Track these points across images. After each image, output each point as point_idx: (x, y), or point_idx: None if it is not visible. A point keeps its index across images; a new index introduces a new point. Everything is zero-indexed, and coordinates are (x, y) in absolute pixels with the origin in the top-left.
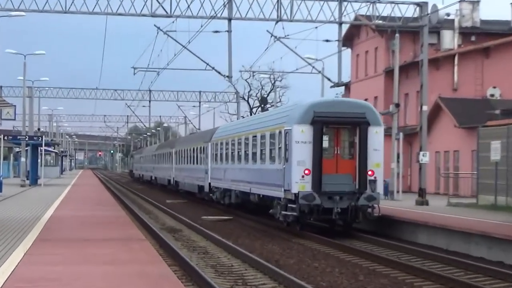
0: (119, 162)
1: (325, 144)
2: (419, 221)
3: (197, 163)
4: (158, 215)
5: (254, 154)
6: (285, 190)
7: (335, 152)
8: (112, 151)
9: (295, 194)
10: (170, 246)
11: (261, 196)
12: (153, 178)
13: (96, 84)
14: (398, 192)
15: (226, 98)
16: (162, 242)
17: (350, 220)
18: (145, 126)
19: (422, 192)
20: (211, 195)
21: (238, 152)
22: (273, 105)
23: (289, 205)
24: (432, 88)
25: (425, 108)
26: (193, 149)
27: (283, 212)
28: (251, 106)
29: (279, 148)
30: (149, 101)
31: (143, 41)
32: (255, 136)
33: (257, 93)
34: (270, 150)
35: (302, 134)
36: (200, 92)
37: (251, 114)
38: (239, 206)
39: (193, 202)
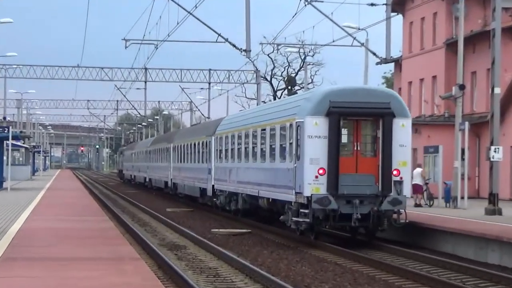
0: (106, 160)
1: (343, 139)
2: (488, 235)
3: (198, 161)
4: (157, 228)
5: (263, 150)
6: (296, 193)
7: (355, 148)
8: (97, 146)
9: (307, 197)
10: (171, 267)
11: (270, 200)
12: (147, 179)
13: (78, 61)
14: (462, 198)
15: (243, 79)
16: (161, 261)
17: (373, 227)
18: (139, 114)
19: (493, 198)
20: (214, 199)
21: (245, 148)
22: (302, 87)
23: (301, 210)
24: (506, 65)
25: (497, 90)
26: (194, 144)
27: (294, 219)
28: (275, 89)
29: (290, 143)
30: (145, 82)
31: (136, 5)
32: (264, 130)
33: (282, 72)
34: (281, 146)
35: (316, 128)
36: (209, 70)
37: (274, 99)
38: (247, 213)
39: (201, 210)
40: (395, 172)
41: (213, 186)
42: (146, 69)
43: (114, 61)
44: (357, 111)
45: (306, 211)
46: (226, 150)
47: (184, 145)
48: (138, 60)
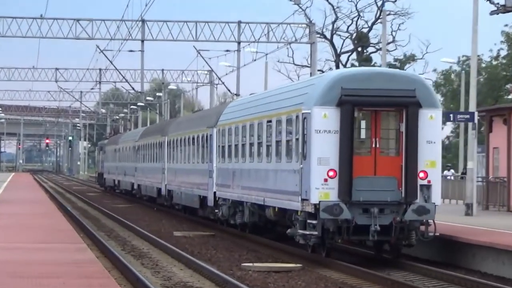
0: (83, 159)
1: (358, 134)
2: None
3: (197, 160)
4: (159, 260)
5: (268, 147)
6: (302, 200)
7: (373, 145)
8: (70, 138)
9: (315, 205)
10: None
11: (276, 210)
12: (135, 186)
13: (41, 11)
14: None
15: (290, 36)
16: None
17: (396, 242)
18: (133, 89)
19: None
20: (216, 211)
21: (250, 144)
22: (379, 49)
23: (308, 221)
24: None
25: None
26: (193, 138)
27: (301, 232)
28: (339, 51)
29: (297, 139)
30: (142, 42)
31: None
32: (270, 121)
33: (349, 26)
34: (287, 142)
35: (325, 120)
36: (239, 24)
37: (337, 67)
38: (256, 228)
39: (226, 234)
40: (421, 175)
41: (214, 193)
42: (143, 21)
43: (95, 11)
44: (375, 100)
45: (314, 222)
46: (230, 147)
47: (181, 139)
48: (132, 10)
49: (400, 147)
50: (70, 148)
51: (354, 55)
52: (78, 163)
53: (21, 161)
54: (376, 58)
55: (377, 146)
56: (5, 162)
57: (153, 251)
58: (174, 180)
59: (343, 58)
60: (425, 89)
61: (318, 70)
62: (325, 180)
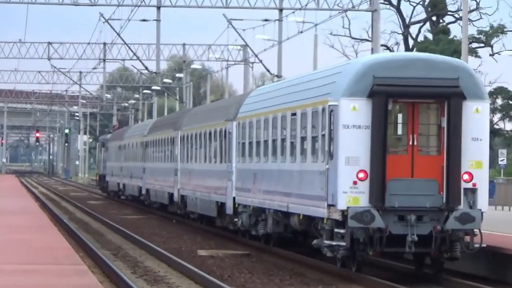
0: (83, 158)
1: (393, 130)
2: None
3: (214, 160)
4: (179, 286)
5: (293, 145)
6: (329, 206)
7: (410, 143)
8: (67, 131)
9: (342, 211)
10: None
11: (300, 217)
12: (143, 191)
13: None
14: None
15: (346, 2)
16: None
17: (438, 255)
18: (146, 69)
19: None
20: (236, 220)
21: (273, 141)
22: (458, 19)
23: (335, 230)
24: None
25: None
26: (209, 133)
27: (327, 242)
28: (407, 20)
29: (323, 135)
30: (158, 9)
31: None
32: (295, 114)
33: None
34: (313, 138)
35: (354, 114)
36: None
37: (406, 40)
38: (283, 240)
39: (264, 253)
40: (465, 177)
41: (234, 199)
42: None
43: None
44: (413, 91)
45: (342, 231)
46: (251, 144)
47: (196, 134)
48: None
49: (442, 145)
50: (66, 144)
51: (427, 26)
52: (77, 162)
53: (4, 160)
54: (454, 29)
55: (415, 143)
56: None
57: (172, 274)
58: (188, 183)
59: (413, 29)
60: (470, 78)
61: (382, 46)
62: (355, 182)
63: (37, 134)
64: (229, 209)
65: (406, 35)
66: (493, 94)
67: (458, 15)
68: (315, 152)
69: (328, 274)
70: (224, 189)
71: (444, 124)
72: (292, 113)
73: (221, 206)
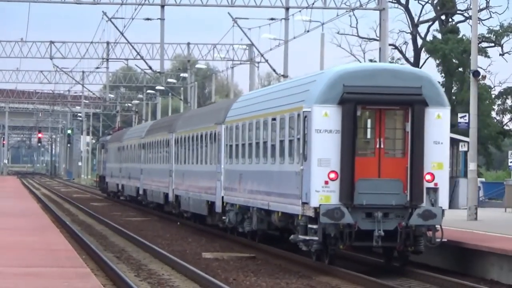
0: (86, 159)
1: (362, 134)
2: None
3: (205, 161)
4: None
5: (273, 147)
6: (303, 203)
7: (377, 146)
8: (69, 131)
9: (315, 209)
10: None
11: (279, 214)
12: (140, 192)
13: None
14: None
15: (353, 0)
16: None
17: (403, 248)
18: (150, 69)
19: None
20: (224, 217)
21: (257, 143)
22: (468, 17)
23: (309, 226)
24: None
25: None
26: (199, 136)
27: (301, 237)
28: (416, 19)
29: (298, 139)
30: (162, 7)
31: None
32: (275, 119)
33: None
34: (290, 142)
35: (326, 119)
36: None
37: (414, 39)
38: (266, 236)
39: (269, 256)
40: (428, 177)
41: (222, 198)
42: None
43: None
44: (379, 98)
45: (315, 226)
46: (237, 146)
47: (188, 137)
48: None
49: (406, 148)
50: (69, 145)
51: (436, 25)
52: (79, 163)
53: (5, 161)
54: (464, 28)
55: (382, 146)
56: None
57: (176, 277)
58: (182, 183)
59: (422, 28)
60: (432, 86)
61: (390, 45)
62: (326, 182)
63: (39, 135)
64: (218, 208)
65: (414, 34)
66: (503, 94)
67: (468, 14)
68: (292, 154)
69: (305, 266)
70: (214, 189)
71: (409, 129)
72: (273, 118)
73: (211, 205)
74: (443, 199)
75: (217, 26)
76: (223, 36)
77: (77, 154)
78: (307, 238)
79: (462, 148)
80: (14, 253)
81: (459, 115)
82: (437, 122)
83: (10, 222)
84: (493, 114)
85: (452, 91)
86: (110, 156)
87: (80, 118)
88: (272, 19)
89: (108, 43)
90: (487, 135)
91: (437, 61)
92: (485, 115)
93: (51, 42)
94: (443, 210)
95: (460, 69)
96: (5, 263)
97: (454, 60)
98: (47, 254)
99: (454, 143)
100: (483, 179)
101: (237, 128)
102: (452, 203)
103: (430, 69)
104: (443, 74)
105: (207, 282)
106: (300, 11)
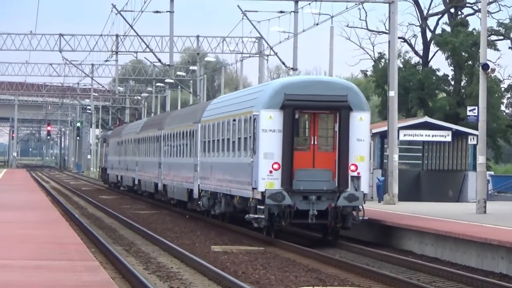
0: (94, 152)
1: (300, 133)
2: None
3: (185, 155)
4: (198, 286)
5: (233, 143)
6: (253, 189)
7: (312, 142)
8: (79, 124)
9: (262, 193)
10: None
11: (238, 198)
12: (135, 182)
13: None
14: None
15: None
16: None
17: (333, 225)
18: (160, 62)
19: None
20: (199, 202)
21: (223, 140)
22: (477, 11)
23: (258, 206)
24: None
25: None
26: (182, 132)
27: (251, 215)
28: (425, 12)
29: (250, 137)
30: (171, 0)
31: None
32: (234, 120)
33: None
34: (244, 139)
35: (270, 121)
36: None
37: (423, 32)
38: (234, 218)
39: (278, 249)
40: (352, 168)
41: (198, 186)
42: None
43: None
44: (313, 104)
45: (262, 207)
46: (209, 142)
47: (173, 134)
48: None
49: (335, 144)
50: (78, 138)
51: (445, 18)
52: (89, 156)
53: (15, 154)
54: (473, 21)
55: (316, 143)
56: None
57: (185, 270)
58: (168, 174)
59: (431, 21)
60: (355, 94)
61: (399, 38)
62: (270, 171)
63: (48, 128)
64: (195, 194)
65: (424, 27)
66: None
67: (477, 7)
68: (246, 149)
69: (314, 259)
70: (192, 178)
71: (337, 129)
72: (233, 119)
73: (190, 192)
74: (364, 185)
75: (226, 19)
76: (233, 29)
77: (86, 147)
78: (256, 216)
79: (471, 141)
80: (23, 246)
81: (468, 108)
82: (360, 123)
83: (20, 215)
84: (502, 107)
85: (462, 84)
86: (111, 149)
87: (89, 111)
88: (281, 12)
89: (117, 36)
90: (496, 128)
91: (446, 54)
92: (495, 108)
93: (61, 35)
94: (364, 194)
95: (470, 62)
96: (15, 256)
97: (463, 53)
98: (56, 247)
99: (463, 136)
100: (492, 173)
101: (209, 127)
102: (461, 196)
103: (439, 62)
104: (452, 67)
105: (216, 275)
106: (309, 4)
